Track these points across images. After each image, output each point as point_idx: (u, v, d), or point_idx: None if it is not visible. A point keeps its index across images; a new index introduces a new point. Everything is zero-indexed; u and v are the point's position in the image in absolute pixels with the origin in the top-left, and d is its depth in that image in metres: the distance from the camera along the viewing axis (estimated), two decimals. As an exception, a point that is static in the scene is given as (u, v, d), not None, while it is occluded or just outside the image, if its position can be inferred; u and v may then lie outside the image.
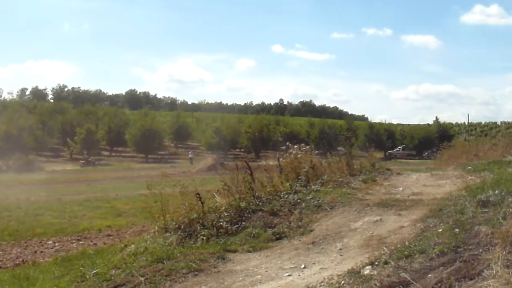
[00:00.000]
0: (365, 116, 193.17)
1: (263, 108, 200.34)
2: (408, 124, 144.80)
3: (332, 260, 9.26)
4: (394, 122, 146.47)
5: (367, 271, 7.60)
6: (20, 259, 17.01)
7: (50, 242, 19.42)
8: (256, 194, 14.02)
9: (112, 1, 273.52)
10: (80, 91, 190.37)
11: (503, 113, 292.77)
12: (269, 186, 15.12)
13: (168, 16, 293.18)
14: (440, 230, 8.74)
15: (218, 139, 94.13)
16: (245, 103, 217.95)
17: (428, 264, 7.04)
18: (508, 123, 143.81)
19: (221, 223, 12.09)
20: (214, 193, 14.26)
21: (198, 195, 12.86)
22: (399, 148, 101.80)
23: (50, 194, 35.71)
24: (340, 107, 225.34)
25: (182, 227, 12.21)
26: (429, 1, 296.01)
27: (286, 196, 14.29)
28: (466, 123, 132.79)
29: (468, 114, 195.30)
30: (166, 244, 11.41)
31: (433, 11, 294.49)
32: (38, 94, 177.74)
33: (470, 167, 19.39)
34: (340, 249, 9.90)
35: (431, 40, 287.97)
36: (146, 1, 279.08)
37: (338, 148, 20.30)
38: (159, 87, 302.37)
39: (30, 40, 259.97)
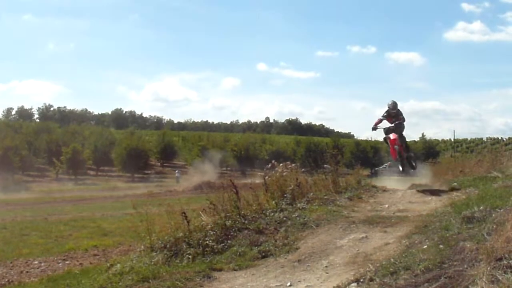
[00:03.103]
0: (351, 133, 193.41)
1: (249, 127, 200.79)
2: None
3: (318, 277, 9.27)
4: (380, 139, 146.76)
5: (352, 288, 7.62)
6: (6, 280, 16.90)
7: (36, 262, 19.30)
8: (242, 212, 14.01)
9: (97, 20, 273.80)
10: (66, 110, 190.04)
11: (488, 129, 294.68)
12: (255, 204, 15.11)
13: (152, 35, 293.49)
14: (425, 246, 8.77)
15: (204, 158, 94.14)
16: (231, 122, 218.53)
17: (413, 280, 7.06)
18: (494, 139, 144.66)
19: (207, 242, 12.07)
20: (200, 212, 14.22)
21: (184, 214, 12.86)
22: (386, 165, 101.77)
23: (36, 214, 35.59)
24: (326, 125, 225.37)
25: (168, 246, 12.17)
26: (412, 18, 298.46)
27: (272, 214, 14.28)
28: (452, 140, 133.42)
29: (454, 131, 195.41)
30: (152, 263, 11.38)
31: (417, 28, 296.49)
32: (24, 113, 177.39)
33: (455, 183, 19.44)
34: (326, 266, 9.90)
35: (415, 57, 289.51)
36: (131, 21, 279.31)
37: (324, 165, 20.22)
38: (145, 106, 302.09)
39: (15, 60, 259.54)
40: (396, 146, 20.44)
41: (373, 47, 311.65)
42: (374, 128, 20.71)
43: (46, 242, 23.49)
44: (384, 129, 20.85)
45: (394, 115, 20.75)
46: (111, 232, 26.19)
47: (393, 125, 20.54)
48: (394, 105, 20.71)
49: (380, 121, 20.77)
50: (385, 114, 20.83)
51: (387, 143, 21.28)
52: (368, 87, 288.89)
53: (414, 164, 21.76)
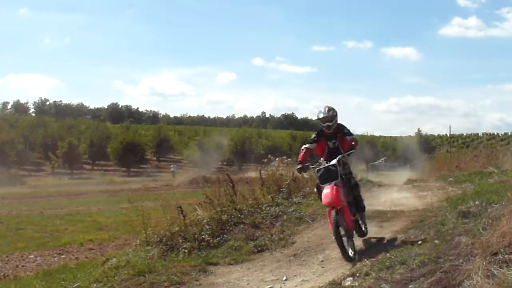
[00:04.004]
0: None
1: (245, 121, 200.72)
2: (390, 136, 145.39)
3: (313, 272, 9.28)
4: (376, 134, 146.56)
5: (348, 282, 7.63)
6: (1, 274, 16.90)
7: (32, 256, 19.32)
8: (238, 207, 14.04)
9: (92, 14, 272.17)
10: (62, 104, 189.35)
11: (483, 124, 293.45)
12: (251, 199, 15.14)
13: (148, 29, 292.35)
14: (421, 241, 8.79)
15: (200, 153, 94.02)
16: (227, 116, 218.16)
17: (409, 275, 7.07)
18: (489, 134, 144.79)
19: (203, 236, 12.09)
20: (196, 206, 14.22)
21: (180, 208, 12.85)
22: (382, 160, 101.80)
23: (31, 208, 35.55)
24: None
25: (163, 240, 12.18)
26: (408, 14, 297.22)
27: (267, 208, 14.31)
28: (448, 135, 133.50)
29: (450, 126, 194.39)
30: (148, 257, 11.37)
31: (412, 23, 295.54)
32: (20, 107, 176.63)
33: (451, 179, 19.45)
34: (322, 261, 9.92)
35: (411, 52, 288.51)
36: (127, 15, 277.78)
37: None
38: (141, 100, 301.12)
39: (10, 54, 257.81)
40: (333, 217, 9.73)
41: (369, 42, 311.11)
42: (301, 168, 10.92)
43: (41, 236, 23.50)
44: (318, 171, 10.46)
45: (331, 134, 11.05)
46: (107, 226, 26.20)
47: (333, 162, 10.36)
48: (330, 116, 10.96)
49: (305, 153, 11.09)
50: (314, 137, 11.22)
51: (319, 194, 10.42)
52: (364, 82, 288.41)
53: (363, 228, 11.10)
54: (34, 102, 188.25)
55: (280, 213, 13.84)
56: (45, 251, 20.12)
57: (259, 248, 11.42)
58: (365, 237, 11.03)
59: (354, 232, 10.43)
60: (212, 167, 75.96)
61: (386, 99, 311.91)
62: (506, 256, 6.47)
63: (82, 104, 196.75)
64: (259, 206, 14.56)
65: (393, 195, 17.27)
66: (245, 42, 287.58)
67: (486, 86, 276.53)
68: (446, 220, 9.75)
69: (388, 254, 8.32)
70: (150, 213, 13.41)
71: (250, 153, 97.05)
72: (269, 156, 19.74)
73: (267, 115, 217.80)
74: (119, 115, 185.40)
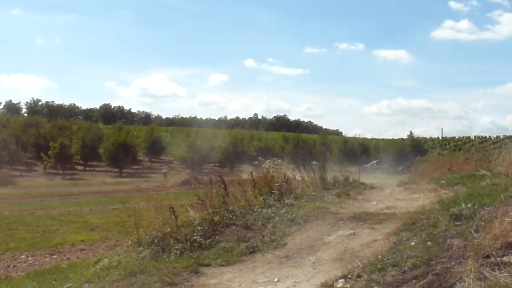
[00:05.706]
0: (340, 130, 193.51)
1: (237, 123, 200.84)
2: (382, 139, 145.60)
3: (305, 273, 9.26)
4: (368, 136, 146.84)
5: (340, 284, 7.61)
6: (-8, 274, 16.88)
7: (23, 256, 19.29)
8: (230, 208, 14.01)
9: (84, 15, 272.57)
10: (54, 105, 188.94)
11: (476, 127, 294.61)
12: (243, 200, 15.12)
13: (140, 30, 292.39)
14: (413, 243, 8.78)
15: (192, 154, 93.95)
16: (219, 118, 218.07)
17: (400, 277, 7.06)
18: (482, 137, 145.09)
19: (194, 237, 12.06)
20: (188, 207, 14.20)
21: (171, 209, 12.84)
22: (373, 163, 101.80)
23: (23, 208, 35.44)
24: (315, 122, 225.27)
25: (155, 241, 12.15)
26: (400, 16, 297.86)
27: (259, 210, 14.28)
28: (440, 138, 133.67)
29: (442, 129, 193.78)
30: (139, 258, 11.35)
31: (404, 26, 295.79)
32: (12, 108, 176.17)
33: (443, 181, 19.44)
34: (314, 262, 9.89)
35: (403, 55, 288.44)
36: (119, 16, 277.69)
37: (312, 162, 20.21)
38: (132, 101, 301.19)
39: (2, 54, 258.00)
40: None
41: (361, 44, 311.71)
42: None
43: (33, 237, 23.45)
44: None
45: None
46: (99, 227, 26.17)
47: None
48: None
49: None
50: None
51: None
52: (356, 84, 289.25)
53: None
54: (26, 102, 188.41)
55: (272, 214, 13.81)
56: (37, 252, 20.09)
57: (251, 250, 11.39)
58: None
59: None
60: (204, 168, 75.95)
61: (378, 101, 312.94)
62: (498, 258, 6.46)
63: (74, 105, 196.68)
64: (251, 208, 14.55)
65: (385, 197, 17.27)
66: (237, 43, 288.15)
67: (478, 89, 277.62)
68: (438, 222, 9.73)
69: (380, 256, 8.30)
70: (142, 214, 13.39)
71: (242, 154, 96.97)
72: (260, 158, 19.76)
73: (259, 117, 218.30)
74: (111, 116, 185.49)
